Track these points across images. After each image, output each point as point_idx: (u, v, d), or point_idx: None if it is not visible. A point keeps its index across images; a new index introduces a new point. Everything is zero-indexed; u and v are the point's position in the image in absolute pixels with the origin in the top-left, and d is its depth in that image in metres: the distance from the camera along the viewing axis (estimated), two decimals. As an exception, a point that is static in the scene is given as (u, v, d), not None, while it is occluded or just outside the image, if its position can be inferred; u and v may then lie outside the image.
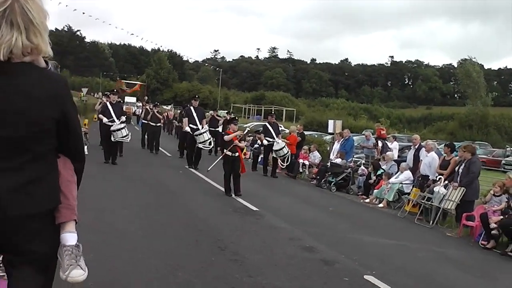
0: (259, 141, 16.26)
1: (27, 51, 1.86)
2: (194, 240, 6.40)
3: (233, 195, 10.23)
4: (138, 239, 6.16)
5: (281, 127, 19.11)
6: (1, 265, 2.57)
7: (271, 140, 14.94)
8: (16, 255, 1.94)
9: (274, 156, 14.94)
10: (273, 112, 19.13)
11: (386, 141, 16.61)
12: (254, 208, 9.16)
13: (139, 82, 68.06)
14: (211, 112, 20.42)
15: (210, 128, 18.30)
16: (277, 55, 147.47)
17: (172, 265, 5.18)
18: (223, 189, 10.72)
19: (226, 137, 10.77)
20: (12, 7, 1.81)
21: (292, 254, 6.26)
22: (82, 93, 40.67)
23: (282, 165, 15.03)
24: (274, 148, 14.65)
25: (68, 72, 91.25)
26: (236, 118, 10.90)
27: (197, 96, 15.83)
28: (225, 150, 10.73)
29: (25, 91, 1.87)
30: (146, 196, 9.33)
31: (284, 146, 14.58)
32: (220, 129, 18.32)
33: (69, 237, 2.05)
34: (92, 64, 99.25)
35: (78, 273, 2.04)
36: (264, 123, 16.62)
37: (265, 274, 5.26)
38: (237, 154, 10.52)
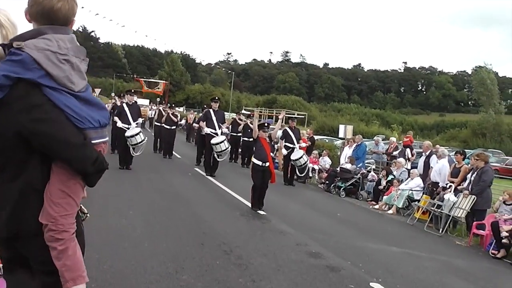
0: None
1: None
2: (198, 243, 6.36)
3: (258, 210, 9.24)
4: (140, 240, 6.12)
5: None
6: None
7: (291, 146, 14.27)
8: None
9: (292, 164, 14.03)
10: (293, 117, 16.53)
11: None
12: (261, 212, 9.09)
13: (163, 81, 65.97)
14: (232, 115, 19.04)
15: (232, 133, 17.83)
16: (290, 59, 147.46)
17: (174, 267, 5.14)
18: (234, 194, 10.71)
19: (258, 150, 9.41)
20: None
21: (298, 260, 6.17)
22: (95, 94, 41.28)
23: (298, 175, 14.34)
24: (293, 157, 13.75)
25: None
26: (266, 124, 9.73)
27: (217, 98, 14.63)
28: (253, 159, 9.59)
29: None
30: (153, 199, 9.28)
31: (303, 155, 13.76)
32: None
33: None
34: (106, 65, 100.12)
35: None
36: (284, 128, 15.40)
37: (269, 279, 5.20)
38: (267, 164, 9.36)
